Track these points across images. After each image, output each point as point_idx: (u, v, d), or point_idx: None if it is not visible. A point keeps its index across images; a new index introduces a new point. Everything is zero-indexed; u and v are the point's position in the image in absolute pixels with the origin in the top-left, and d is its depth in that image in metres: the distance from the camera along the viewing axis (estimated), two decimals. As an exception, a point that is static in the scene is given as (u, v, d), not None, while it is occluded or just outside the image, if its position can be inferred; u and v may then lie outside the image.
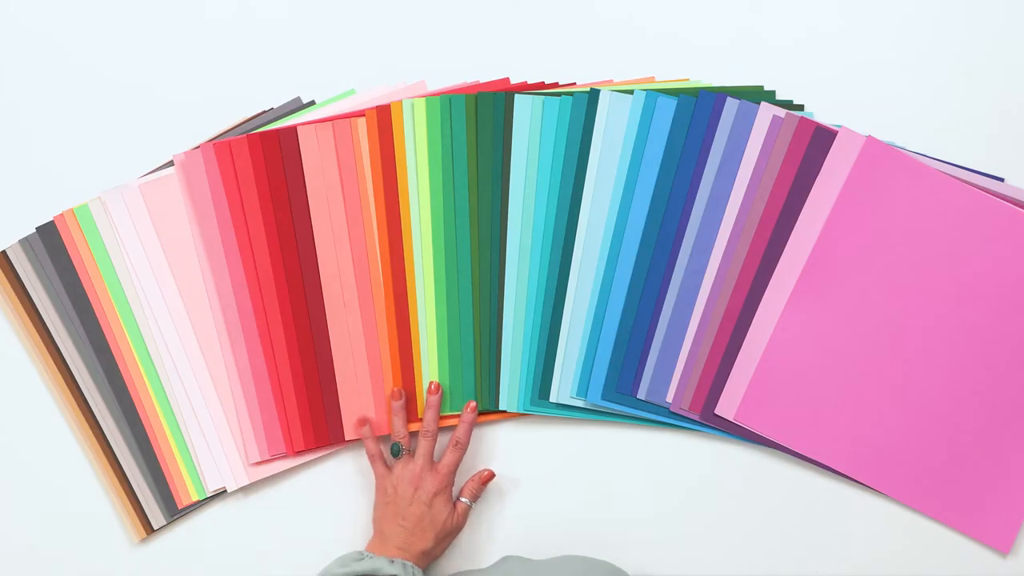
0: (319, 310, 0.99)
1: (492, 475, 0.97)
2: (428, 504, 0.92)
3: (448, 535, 0.93)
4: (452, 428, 0.99)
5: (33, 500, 1.00)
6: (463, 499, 0.95)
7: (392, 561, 0.88)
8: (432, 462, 0.94)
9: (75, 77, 1.03)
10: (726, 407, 0.96)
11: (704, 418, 0.97)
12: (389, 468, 0.95)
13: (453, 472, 0.94)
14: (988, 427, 0.95)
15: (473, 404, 0.96)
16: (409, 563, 0.89)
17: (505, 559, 0.91)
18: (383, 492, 0.94)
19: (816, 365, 0.96)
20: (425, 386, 0.99)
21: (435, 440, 0.95)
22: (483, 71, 1.02)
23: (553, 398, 0.98)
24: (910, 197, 0.95)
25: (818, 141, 0.96)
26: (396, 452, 0.95)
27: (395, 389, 0.96)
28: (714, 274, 0.97)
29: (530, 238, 0.99)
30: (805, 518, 0.98)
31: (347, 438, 0.99)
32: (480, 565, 0.98)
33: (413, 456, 0.95)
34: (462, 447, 0.95)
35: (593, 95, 0.98)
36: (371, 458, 0.96)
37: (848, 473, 0.96)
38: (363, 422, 0.97)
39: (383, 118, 0.99)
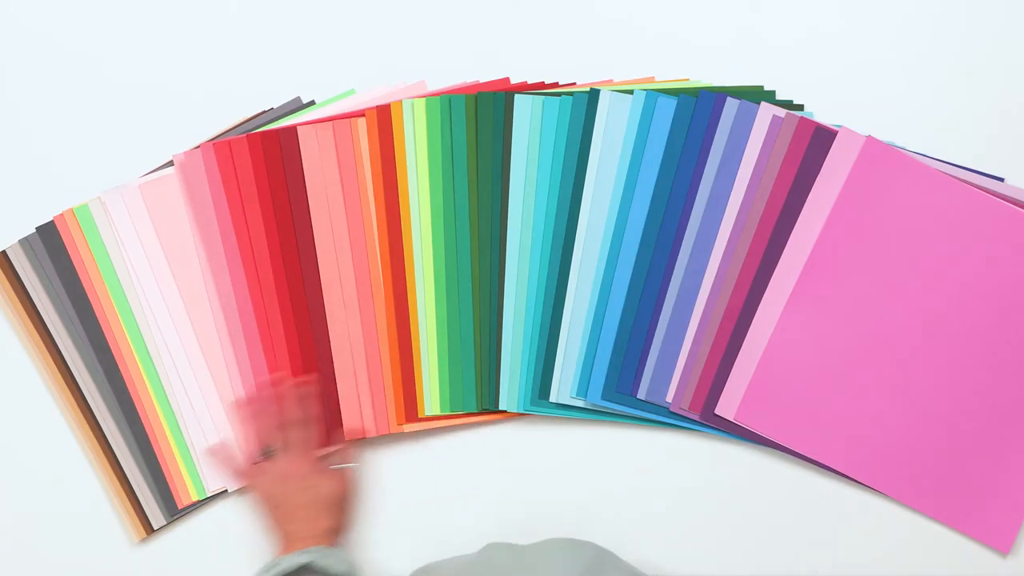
0: (319, 310, 0.99)
1: (353, 431, 0.97)
2: (308, 487, 0.93)
3: (342, 504, 0.95)
4: (460, 428, 0.99)
5: (33, 500, 1.00)
6: (340, 465, 0.96)
7: (301, 552, 0.89)
8: (298, 449, 0.95)
9: (75, 77, 1.03)
10: (726, 407, 0.96)
11: (704, 418, 0.97)
12: (262, 473, 0.95)
13: (313, 447, 0.95)
14: (988, 427, 0.95)
15: (308, 379, 0.97)
16: (320, 546, 0.90)
17: (489, 546, 0.91)
18: (267, 500, 0.94)
19: (816, 365, 0.96)
20: (425, 386, 0.99)
21: (295, 427, 0.95)
22: (483, 71, 1.02)
23: (553, 398, 0.98)
24: (910, 197, 0.95)
25: (818, 141, 0.96)
26: (267, 453, 0.95)
27: (241, 398, 0.97)
28: (714, 274, 0.97)
29: (530, 238, 0.99)
30: (805, 518, 0.98)
31: (347, 438, 0.99)
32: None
33: (281, 452, 0.95)
34: (314, 421, 0.96)
35: (593, 95, 0.98)
36: (240, 475, 0.96)
37: (848, 473, 0.96)
38: (216, 452, 0.98)
39: (383, 118, 0.99)
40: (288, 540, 0.92)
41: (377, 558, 0.99)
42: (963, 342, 0.95)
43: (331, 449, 0.98)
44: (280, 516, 0.93)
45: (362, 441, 1.00)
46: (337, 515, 0.94)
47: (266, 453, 0.95)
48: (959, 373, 0.95)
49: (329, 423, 0.98)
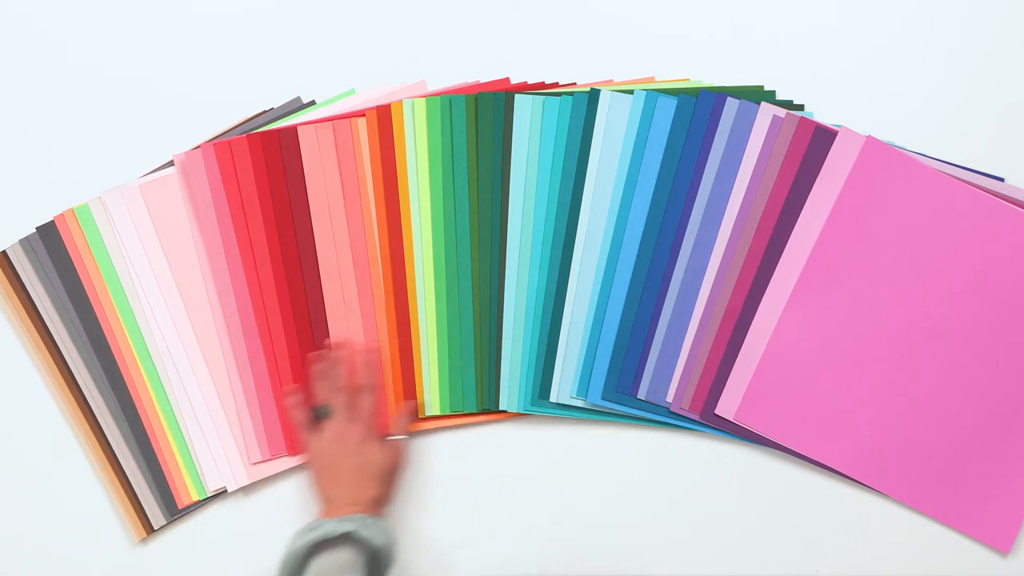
0: (319, 310, 0.99)
1: (414, 403, 0.97)
2: (359, 452, 0.92)
3: (391, 475, 0.94)
4: (460, 428, 1.00)
5: (33, 500, 1.00)
6: (395, 436, 0.96)
7: (343, 519, 0.88)
8: (351, 415, 0.95)
9: (75, 76, 1.03)
10: (726, 407, 0.96)
11: (704, 418, 0.97)
12: (314, 433, 0.95)
13: (373, 415, 0.95)
14: (988, 427, 0.95)
15: (372, 345, 0.97)
16: (363, 515, 0.89)
17: None
18: (316, 458, 0.94)
19: (816, 365, 0.96)
20: (425, 386, 0.99)
21: (350, 393, 0.95)
22: (483, 71, 1.02)
23: (553, 398, 0.98)
24: (910, 197, 0.95)
25: (818, 141, 0.96)
26: (321, 414, 0.95)
27: (313, 353, 0.97)
28: (714, 274, 0.97)
29: (530, 238, 0.99)
30: (805, 518, 0.98)
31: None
32: (479, 564, 0.98)
33: (334, 416, 0.95)
34: (373, 389, 0.96)
35: (593, 95, 0.98)
36: (299, 428, 0.96)
37: (848, 473, 0.96)
38: (292, 392, 0.97)
39: (383, 118, 0.99)
40: (331, 504, 0.91)
41: (377, 558, 0.99)
42: (963, 342, 0.95)
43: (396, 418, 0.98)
44: (327, 478, 0.92)
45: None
46: (384, 485, 0.93)
47: (322, 413, 0.95)
48: (959, 373, 0.95)
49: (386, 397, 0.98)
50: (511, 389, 0.98)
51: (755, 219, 0.96)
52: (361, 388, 0.96)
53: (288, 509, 0.99)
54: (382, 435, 0.95)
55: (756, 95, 0.98)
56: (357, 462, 0.92)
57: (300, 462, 0.98)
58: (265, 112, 1.02)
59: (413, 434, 0.99)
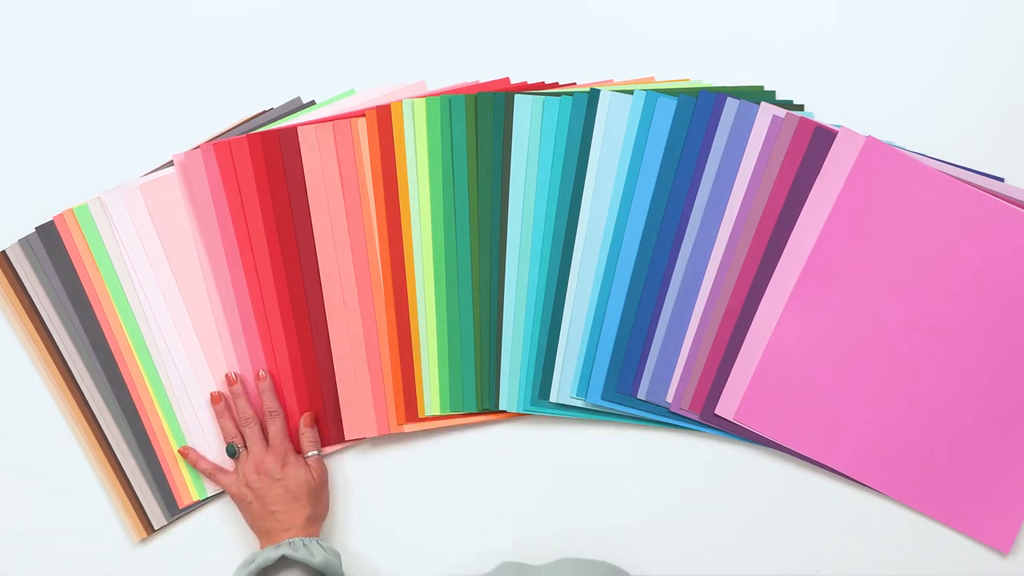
0: (319, 310, 0.99)
1: (312, 416, 0.98)
2: (283, 477, 0.94)
3: (318, 490, 0.95)
4: (460, 428, 1.00)
5: (33, 500, 1.00)
6: (309, 453, 0.97)
7: (277, 546, 0.90)
8: (265, 444, 0.96)
9: (75, 76, 1.03)
10: (726, 407, 0.96)
11: (704, 418, 0.97)
12: (233, 472, 0.97)
13: (285, 438, 0.97)
14: (988, 427, 0.95)
15: (262, 373, 0.98)
16: (296, 539, 0.91)
17: (502, 565, 0.91)
18: (242, 498, 0.95)
19: (816, 365, 0.96)
20: (425, 386, 0.99)
21: (257, 423, 0.97)
22: (483, 71, 1.02)
23: (553, 398, 0.98)
24: (910, 197, 0.95)
25: (818, 141, 0.96)
26: (232, 452, 0.97)
27: (213, 393, 0.98)
28: (714, 274, 0.97)
29: (530, 238, 0.99)
30: (805, 518, 0.98)
31: (347, 438, 0.99)
32: (478, 564, 0.98)
33: (247, 449, 0.97)
34: (278, 414, 0.97)
35: (593, 95, 0.98)
36: (211, 475, 0.97)
37: (848, 473, 0.96)
38: (185, 452, 0.99)
39: (383, 118, 0.99)
40: (267, 535, 0.93)
41: (376, 558, 0.99)
42: (963, 342, 0.95)
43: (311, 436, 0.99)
44: (257, 511, 0.94)
45: (361, 441, 1.00)
46: (313, 504, 0.94)
47: (233, 451, 0.96)
48: (959, 373, 0.95)
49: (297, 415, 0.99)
50: (511, 389, 0.98)
51: (755, 219, 0.96)
52: (267, 415, 0.97)
53: (288, 509, 0.99)
54: (298, 455, 0.97)
55: (756, 95, 0.98)
56: (283, 487, 0.93)
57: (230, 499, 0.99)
58: (265, 112, 1.02)
59: (326, 448, 0.99)
